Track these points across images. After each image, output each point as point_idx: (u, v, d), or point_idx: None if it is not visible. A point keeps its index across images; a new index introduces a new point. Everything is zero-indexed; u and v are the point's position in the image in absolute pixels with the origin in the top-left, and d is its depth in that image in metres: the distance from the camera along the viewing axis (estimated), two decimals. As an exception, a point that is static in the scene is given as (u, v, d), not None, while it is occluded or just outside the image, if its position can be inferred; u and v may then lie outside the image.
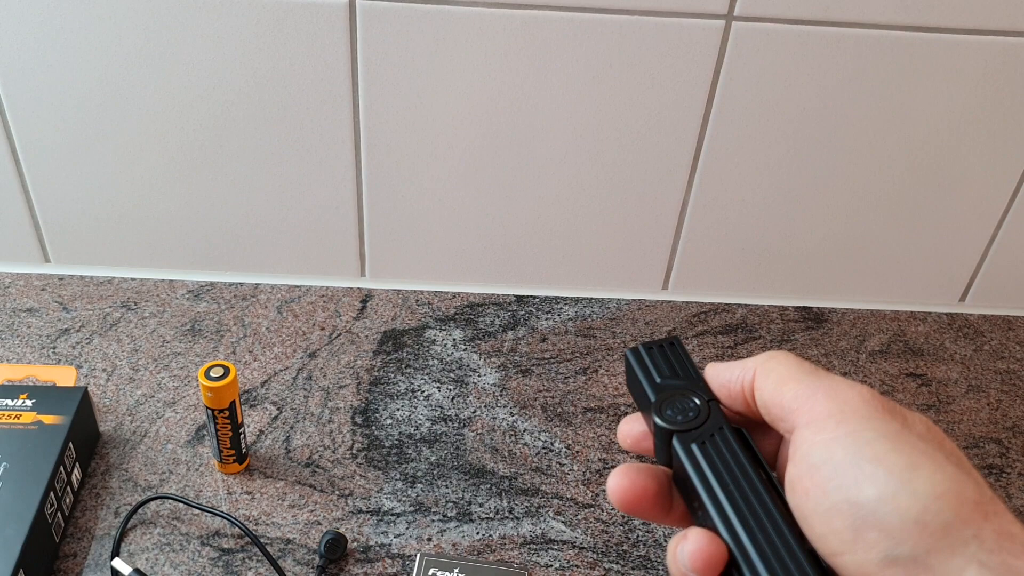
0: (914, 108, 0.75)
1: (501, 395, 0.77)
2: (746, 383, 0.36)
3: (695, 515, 0.36)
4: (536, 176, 0.79)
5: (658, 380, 0.39)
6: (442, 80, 0.73)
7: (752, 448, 0.36)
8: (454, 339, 0.81)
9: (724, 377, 0.37)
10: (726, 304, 0.87)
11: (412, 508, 0.68)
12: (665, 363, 0.39)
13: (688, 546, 0.34)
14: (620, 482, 0.37)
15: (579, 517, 0.68)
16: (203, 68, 0.73)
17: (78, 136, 0.77)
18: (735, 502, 0.34)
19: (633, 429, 0.40)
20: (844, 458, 0.32)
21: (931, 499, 0.30)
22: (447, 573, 0.63)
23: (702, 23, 0.71)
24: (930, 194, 0.81)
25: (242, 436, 0.68)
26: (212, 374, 0.64)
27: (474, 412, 0.75)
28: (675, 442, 0.36)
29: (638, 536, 0.67)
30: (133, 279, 0.85)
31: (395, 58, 0.72)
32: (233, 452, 0.68)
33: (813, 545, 0.33)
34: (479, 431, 0.74)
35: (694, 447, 0.36)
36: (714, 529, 0.34)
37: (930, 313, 0.88)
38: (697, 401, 0.37)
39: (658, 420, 0.37)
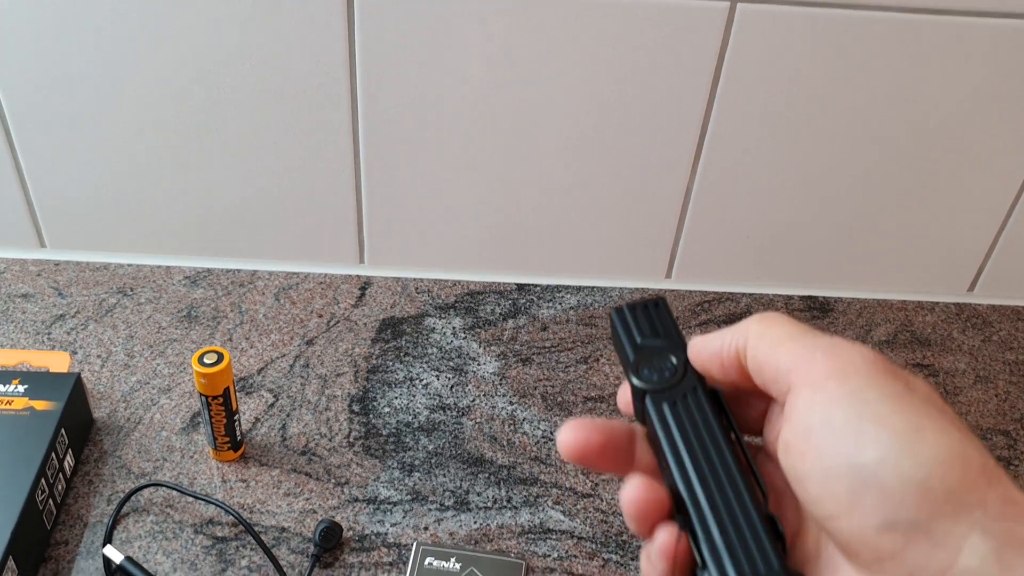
0: (922, 93, 0.74)
1: (500, 384, 0.76)
2: (740, 345, 0.35)
3: (664, 475, 0.36)
4: (538, 163, 0.78)
5: (639, 340, 0.39)
6: (442, 65, 0.72)
7: (725, 410, 0.36)
8: (454, 327, 0.80)
9: (714, 347, 0.36)
10: (730, 293, 0.86)
11: (409, 497, 0.67)
12: (648, 323, 0.39)
13: (623, 491, 0.34)
14: (565, 436, 0.37)
15: (578, 507, 0.67)
16: (200, 53, 0.72)
17: (74, 121, 0.76)
18: (698, 463, 0.34)
19: (628, 393, 0.40)
20: (844, 419, 0.30)
21: (935, 464, 0.29)
22: (444, 563, 0.62)
23: (706, 6, 0.69)
24: (938, 182, 0.79)
25: (237, 423, 0.67)
26: (206, 360, 0.63)
27: (473, 401, 0.74)
28: (647, 401, 0.36)
29: (638, 527, 0.66)
30: (129, 265, 0.84)
31: (394, 42, 0.71)
32: (228, 439, 0.67)
33: (807, 508, 0.32)
34: (478, 420, 0.73)
35: (665, 406, 0.36)
36: (675, 488, 0.34)
37: (938, 303, 0.87)
38: (674, 360, 0.37)
39: (633, 379, 0.37)
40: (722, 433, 0.35)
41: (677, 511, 0.34)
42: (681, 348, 0.38)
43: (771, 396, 0.35)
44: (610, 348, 0.79)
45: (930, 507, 0.29)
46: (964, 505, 0.29)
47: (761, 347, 0.34)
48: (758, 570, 0.31)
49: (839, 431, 0.30)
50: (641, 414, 0.38)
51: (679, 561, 0.33)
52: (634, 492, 0.34)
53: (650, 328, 0.39)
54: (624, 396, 0.39)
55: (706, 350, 0.37)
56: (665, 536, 0.33)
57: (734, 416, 0.37)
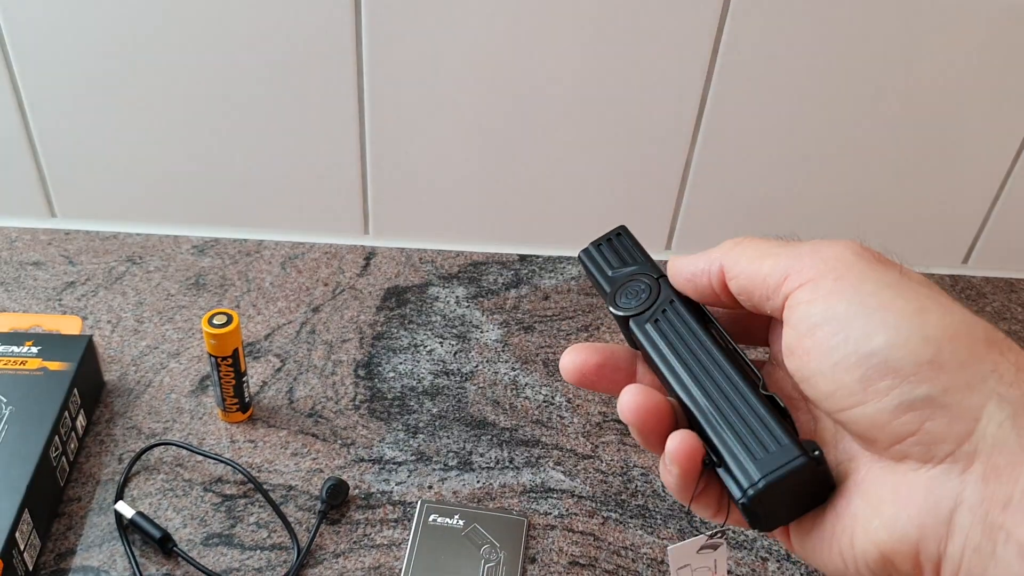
0: (918, 67, 0.75)
1: (503, 351, 0.77)
2: (713, 275, 0.36)
3: (667, 390, 0.37)
4: (540, 135, 0.79)
5: (610, 273, 0.40)
6: (447, 36, 0.74)
7: (704, 310, 0.38)
8: (457, 296, 0.82)
9: (688, 271, 0.37)
10: (729, 265, 0.87)
11: (413, 457, 0.68)
12: (615, 255, 0.41)
13: (620, 400, 0.35)
14: (565, 359, 0.38)
15: (578, 467, 0.68)
16: (208, 24, 0.73)
17: (85, 92, 0.77)
18: (691, 369, 0.35)
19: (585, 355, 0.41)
20: (848, 311, 0.31)
21: (944, 340, 0.29)
22: (447, 519, 0.64)
23: (706, -23, 0.70)
24: (933, 155, 0.81)
25: (245, 385, 0.68)
26: (215, 321, 0.64)
27: (476, 367, 0.76)
28: (632, 326, 0.38)
29: (636, 486, 0.67)
30: (138, 234, 0.85)
31: (399, 13, 0.72)
32: (236, 401, 0.68)
33: (819, 405, 0.32)
34: (481, 385, 0.74)
35: (648, 327, 0.37)
36: (676, 396, 0.36)
37: (933, 274, 0.88)
38: (646, 281, 0.39)
39: (613, 310, 0.39)
40: (706, 334, 0.36)
41: (688, 422, 0.35)
42: (650, 267, 0.40)
43: (766, 315, 0.35)
44: (610, 317, 0.80)
45: (944, 380, 0.29)
46: (977, 375, 0.29)
47: (740, 270, 0.35)
48: (769, 450, 0.32)
49: (845, 323, 0.31)
50: (631, 339, 0.39)
51: (694, 462, 0.33)
52: (629, 397, 0.35)
53: (617, 259, 0.41)
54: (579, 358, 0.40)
55: (681, 274, 0.37)
56: (675, 441, 0.34)
57: (729, 330, 0.38)
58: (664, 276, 0.39)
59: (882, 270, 0.32)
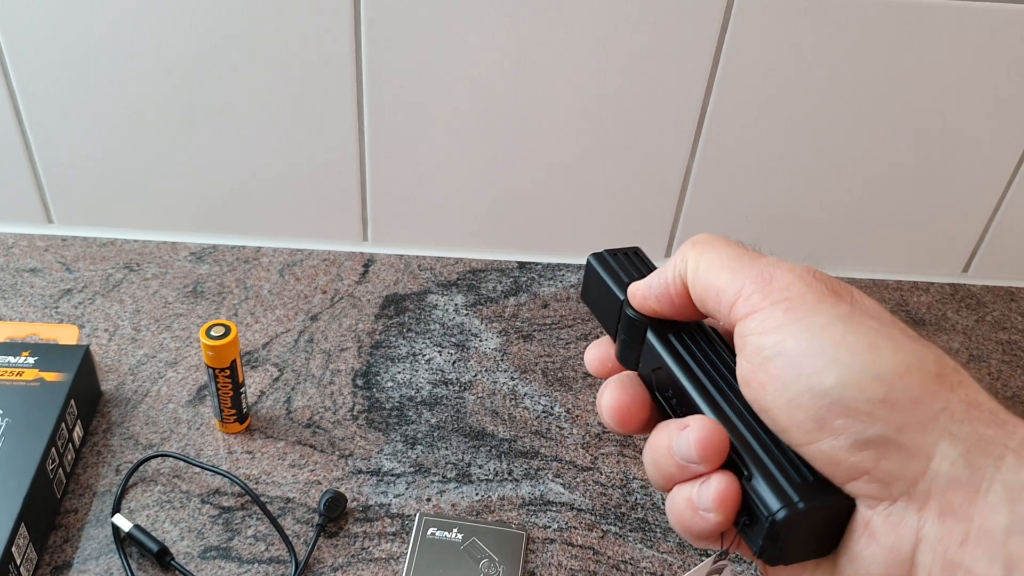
0: (919, 76, 0.75)
1: (502, 359, 0.77)
2: (682, 274, 0.35)
3: (674, 412, 0.36)
4: (540, 141, 0.79)
5: (625, 279, 0.39)
6: (446, 42, 0.73)
7: (719, 335, 0.36)
8: (456, 304, 0.82)
9: (657, 288, 0.36)
10: (728, 272, 0.87)
11: (412, 469, 0.68)
12: (630, 264, 0.39)
13: (692, 434, 0.32)
14: (616, 395, 0.37)
15: (578, 480, 0.68)
16: (206, 29, 0.72)
17: (82, 99, 0.76)
18: (720, 388, 0.34)
19: (600, 351, 0.39)
20: (799, 348, 0.30)
21: (896, 377, 0.29)
22: (446, 533, 0.63)
23: (708, -14, 0.70)
24: (934, 164, 0.80)
25: (243, 396, 0.68)
26: (213, 333, 0.64)
27: (475, 376, 0.75)
28: (650, 334, 0.36)
29: (636, 499, 0.67)
30: (135, 241, 0.85)
31: (399, 18, 0.72)
32: (234, 411, 0.68)
33: (779, 437, 0.32)
34: (480, 395, 0.74)
35: (670, 336, 0.36)
36: (697, 409, 0.34)
37: (933, 283, 0.88)
38: None
39: (630, 312, 0.37)
40: (729, 356, 0.35)
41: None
42: None
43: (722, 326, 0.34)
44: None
45: (897, 419, 0.29)
46: (929, 413, 0.29)
47: (699, 276, 0.34)
48: (807, 480, 0.31)
49: (796, 360, 0.30)
50: (635, 356, 0.37)
51: (736, 507, 0.32)
52: (712, 432, 0.33)
53: (634, 268, 0.39)
54: (598, 356, 0.39)
55: (651, 294, 0.36)
56: (720, 486, 0.32)
57: None
58: None
59: (833, 302, 0.31)
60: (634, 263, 0.40)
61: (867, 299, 0.32)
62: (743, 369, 0.32)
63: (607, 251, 0.40)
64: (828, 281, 0.32)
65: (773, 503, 0.31)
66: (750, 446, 0.32)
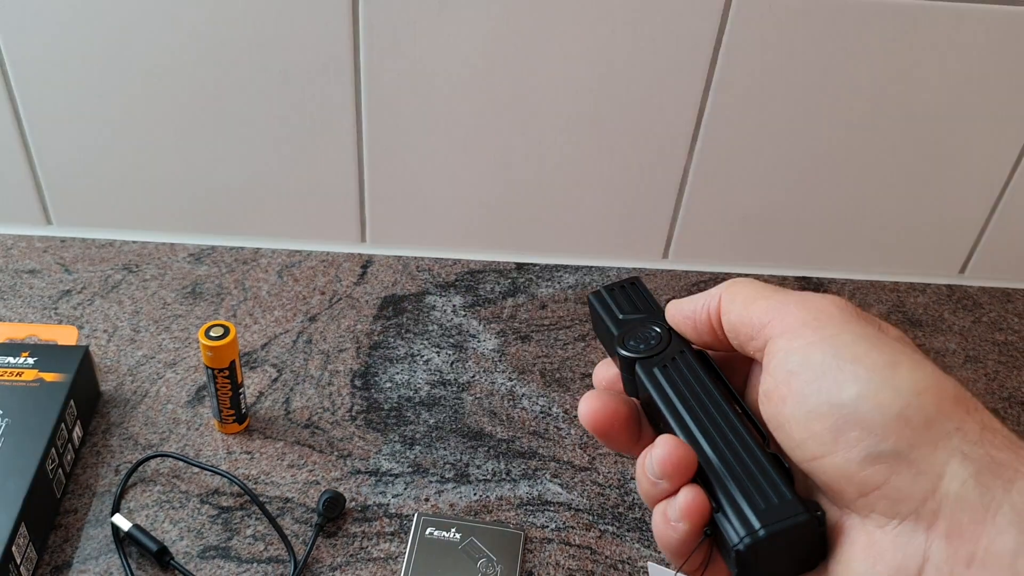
0: (916, 78, 0.75)
1: (500, 360, 0.77)
2: (712, 310, 0.37)
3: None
4: (537, 144, 0.79)
5: (620, 316, 0.40)
6: (444, 45, 0.73)
7: (714, 366, 0.38)
8: (454, 305, 0.82)
9: (688, 309, 0.38)
10: (726, 273, 0.87)
11: (410, 469, 0.68)
12: (627, 301, 0.41)
13: (656, 452, 0.34)
14: (591, 404, 0.38)
15: (575, 480, 0.68)
16: (205, 31, 0.73)
17: (81, 99, 0.77)
18: (697, 416, 0.35)
19: (608, 372, 0.41)
20: (823, 361, 0.32)
21: (913, 395, 0.30)
22: (444, 533, 0.64)
23: (705, -11, 0.70)
24: (931, 165, 0.81)
25: (242, 396, 0.68)
26: (212, 333, 0.64)
27: (473, 377, 0.76)
28: (638, 369, 0.38)
29: (633, 499, 0.67)
30: (134, 242, 0.85)
31: (397, 21, 0.72)
32: (233, 412, 0.68)
33: (791, 454, 0.33)
34: (478, 395, 0.74)
35: (656, 371, 0.37)
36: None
37: (929, 284, 0.88)
38: (658, 329, 0.39)
39: (621, 351, 0.39)
40: (715, 387, 0.36)
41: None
42: (663, 319, 0.39)
43: (750, 356, 0.36)
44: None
45: (910, 436, 0.30)
46: (943, 432, 0.30)
47: (734, 308, 0.36)
48: (771, 503, 0.32)
49: (818, 372, 0.31)
50: (632, 385, 0.39)
51: (704, 519, 0.33)
52: (672, 451, 0.34)
53: (630, 305, 0.41)
54: (605, 376, 0.41)
55: (680, 312, 0.38)
56: (687, 497, 0.33)
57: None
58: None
59: (861, 324, 0.33)
60: (630, 296, 0.41)
61: (894, 329, 0.34)
62: (766, 384, 0.33)
63: (604, 288, 0.42)
64: (857, 309, 0.34)
65: (734, 534, 0.32)
66: (719, 475, 0.33)
